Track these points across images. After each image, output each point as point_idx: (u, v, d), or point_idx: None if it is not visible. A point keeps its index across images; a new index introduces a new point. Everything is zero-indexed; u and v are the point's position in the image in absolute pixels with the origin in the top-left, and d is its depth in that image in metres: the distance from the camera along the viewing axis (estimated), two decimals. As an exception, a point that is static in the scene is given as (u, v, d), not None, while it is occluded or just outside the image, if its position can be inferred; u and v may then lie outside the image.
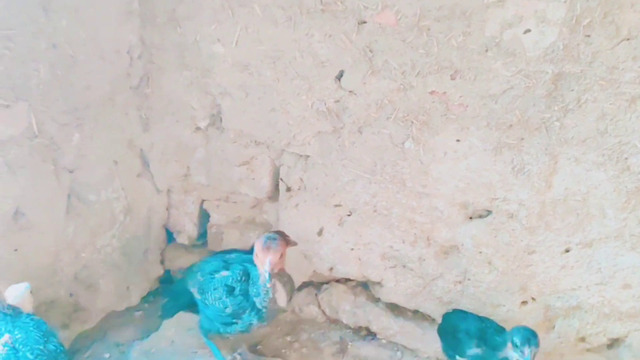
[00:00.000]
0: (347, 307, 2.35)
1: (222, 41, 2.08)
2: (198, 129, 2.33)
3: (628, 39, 1.60)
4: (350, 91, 1.98)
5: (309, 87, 2.02)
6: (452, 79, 1.82)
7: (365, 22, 1.85)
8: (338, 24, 1.88)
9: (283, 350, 2.16)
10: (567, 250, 1.91)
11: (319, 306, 2.42)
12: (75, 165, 2.10)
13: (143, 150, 2.40)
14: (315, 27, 1.92)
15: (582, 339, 2.02)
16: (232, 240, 2.46)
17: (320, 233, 2.27)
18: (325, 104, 2.03)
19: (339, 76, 1.97)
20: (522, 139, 1.82)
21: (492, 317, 2.08)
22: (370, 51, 1.88)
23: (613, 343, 2.01)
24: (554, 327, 2.04)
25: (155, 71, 2.25)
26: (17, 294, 1.73)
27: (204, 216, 2.55)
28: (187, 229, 2.55)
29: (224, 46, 2.09)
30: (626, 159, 1.71)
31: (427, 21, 1.77)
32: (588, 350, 2.04)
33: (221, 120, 2.26)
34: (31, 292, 1.77)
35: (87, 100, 2.08)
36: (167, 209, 2.55)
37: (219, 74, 2.15)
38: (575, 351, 2.04)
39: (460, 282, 2.12)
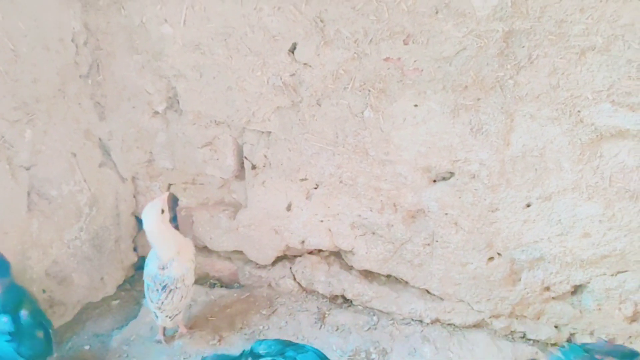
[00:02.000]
0: (321, 277, 2.39)
1: (170, 21, 2.02)
2: (156, 113, 2.29)
3: (574, -9, 1.60)
4: (304, 64, 1.95)
5: (263, 62, 1.98)
6: (405, 43, 1.81)
7: (314, -8, 1.81)
8: (286, -5, 1.84)
9: (261, 326, 2.19)
10: (528, 205, 1.96)
11: (294, 279, 2.45)
12: (32, 162, 2.04)
13: (102, 140, 2.34)
14: (263, 1, 1.87)
15: (547, 288, 2.09)
16: (202, 221, 2.45)
17: (289, 208, 2.28)
18: (281, 78, 2.00)
19: (292, 49, 1.94)
20: (479, 99, 1.83)
21: (461, 275, 2.15)
22: (321, 21, 1.85)
23: (576, 290, 2.09)
24: (520, 280, 2.11)
25: (104, 57, 2.18)
26: None
27: (173, 200, 2.53)
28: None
29: (172, 26, 2.02)
30: (579, 112, 1.74)
31: (376, -13, 1.74)
32: (553, 298, 2.11)
33: (178, 102, 2.22)
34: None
35: (36, 93, 2.01)
36: (134, 197, 2.52)
37: (171, 55, 2.09)
38: (541, 300, 2.12)
39: (428, 245, 2.16)
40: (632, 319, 2.05)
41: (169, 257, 1.98)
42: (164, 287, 1.97)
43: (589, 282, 2.04)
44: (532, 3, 1.63)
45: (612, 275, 1.99)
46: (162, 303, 1.98)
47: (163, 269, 1.98)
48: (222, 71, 2.06)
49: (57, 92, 2.10)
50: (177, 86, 2.16)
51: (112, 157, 2.39)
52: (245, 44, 1.97)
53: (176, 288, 1.98)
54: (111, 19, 2.09)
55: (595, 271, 2.00)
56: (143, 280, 2.33)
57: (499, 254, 2.09)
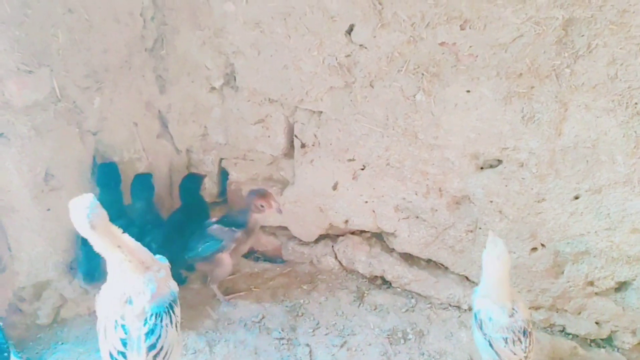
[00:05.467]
0: (362, 257, 2.45)
1: (233, -1, 2.11)
2: (213, 88, 2.39)
3: (640, -19, 1.58)
4: (360, 45, 2.00)
5: (320, 42, 2.04)
6: (462, 29, 1.83)
7: (373, -26, 1.86)
8: (347, -23, 1.89)
9: (302, 300, 2.27)
10: (577, 197, 1.95)
11: (336, 257, 2.52)
12: (98, 128, 2.19)
13: (161, 112, 2.47)
14: (323, -18, 1.93)
15: (591, 283, 2.07)
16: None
17: (335, 187, 2.34)
18: (336, 59, 2.05)
19: (350, 30, 1.99)
20: (532, 87, 1.83)
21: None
22: (380, 3, 1.89)
23: (621, 286, 2.06)
24: (563, 272, 2.10)
25: (169, 32, 2.30)
26: None
27: (223, 174, 2.64)
28: (208, 187, 2.64)
29: (234, 4, 2.11)
30: (636, 104, 1.72)
31: (436, -29, 1.77)
32: (596, 294, 2.09)
33: (235, 79, 2.31)
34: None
35: (105, 63, 2.15)
36: (187, 168, 2.64)
37: (231, 32, 2.18)
38: (584, 295, 2.10)
39: (471, 231, 2.18)
40: (678, 320, 2.01)
41: None
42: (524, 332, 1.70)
43: (634, 279, 2.01)
44: (596, -9, 1.62)
45: (659, 273, 1.96)
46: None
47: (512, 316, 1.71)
48: (279, 50, 2.13)
49: (124, 63, 2.23)
50: (235, 63, 2.26)
51: (170, 129, 2.51)
52: (304, 23, 2.03)
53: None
54: (178, -5, 2.20)
55: (642, 268, 1.97)
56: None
57: (542, 245, 2.09)
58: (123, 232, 1.43)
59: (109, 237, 1.35)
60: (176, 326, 1.49)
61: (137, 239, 1.51)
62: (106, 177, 2.13)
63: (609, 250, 1.98)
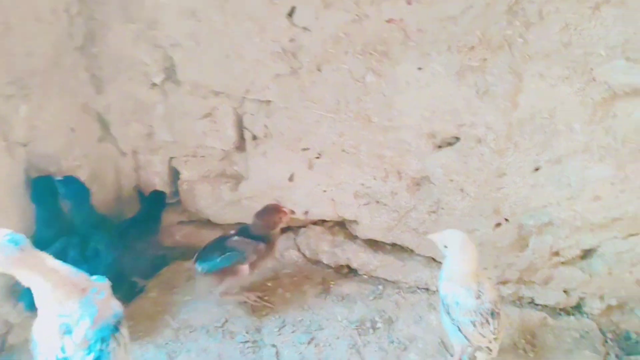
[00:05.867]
0: (326, 247, 2.37)
1: (164, -13, 1.95)
2: (154, 84, 2.23)
3: (587, -59, 1.51)
4: (304, 28, 1.88)
5: (261, 28, 1.91)
6: (408, 3, 1.73)
7: (309, -49, 1.73)
8: (282, -45, 1.76)
9: (266, 297, 2.18)
10: (537, 169, 1.91)
11: (299, 250, 2.43)
12: (29, 138, 2.00)
13: (100, 114, 2.30)
14: (259, -38, 1.79)
15: (556, 253, 2.05)
16: (205, 194, 2.42)
17: (291, 178, 2.24)
18: (279, 44, 1.93)
19: (291, 13, 1.87)
20: (485, 59, 1.76)
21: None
22: (320, -18, 1.77)
23: (586, 254, 2.05)
24: (528, 245, 2.07)
25: (98, 28, 2.12)
26: None
27: (175, 174, 2.50)
28: (159, 188, 2.50)
29: (165, -7, 1.95)
30: (591, 69, 1.67)
31: (375, -57, 1.65)
32: (562, 263, 2.08)
33: (176, 73, 2.16)
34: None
35: (30, 67, 1.95)
36: (135, 171, 2.49)
37: (166, 24, 2.02)
38: (550, 265, 2.08)
39: (434, 212, 2.12)
40: (643, 283, 2.02)
41: None
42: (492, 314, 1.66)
43: (599, 246, 2.00)
44: (542, -46, 1.54)
45: (623, 238, 1.95)
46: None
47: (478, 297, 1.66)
48: (219, 39, 1.99)
49: (52, 65, 2.04)
50: (174, 56, 2.10)
51: (112, 131, 2.34)
52: (243, 9, 1.90)
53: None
54: (103, -14, 2.02)
55: (605, 235, 1.96)
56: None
57: (506, 219, 2.05)
58: (54, 257, 1.30)
59: (29, 270, 1.22)
60: (125, 347, 1.38)
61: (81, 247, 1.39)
62: (40, 192, 1.97)
63: (572, 220, 1.96)
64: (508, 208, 2.01)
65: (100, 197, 2.36)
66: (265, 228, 2.07)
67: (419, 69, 1.83)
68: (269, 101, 2.11)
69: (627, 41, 1.58)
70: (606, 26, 1.58)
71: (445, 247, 1.74)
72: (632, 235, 1.93)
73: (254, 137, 2.22)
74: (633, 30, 1.56)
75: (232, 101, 2.19)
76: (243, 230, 2.12)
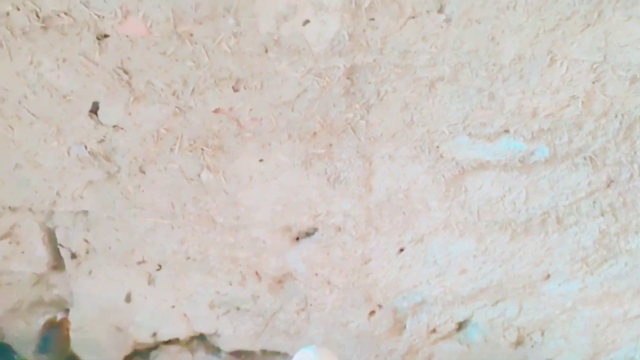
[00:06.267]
0: (186, 369, 1.99)
1: None
2: None
3: (413, 17, 1.41)
4: (114, 126, 1.53)
5: (57, 129, 1.52)
6: (236, 90, 1.49)
7: (107, 36, 1.41)
8: (71, 43, 1.40)
9: None
10: (402, 250, 1.77)
11: (154, 379, 2.01)
12: None
13: None
14: (40, 52, 1.41)
15: (434, 331, 1.94)
16: (17, 333, 1.89)
17: (128, 299, 1.83)
18: (86, 147, 1.56)
19: (94, 110, 1.51)
20: (331, 145, 1.58)
21: (343, 336, 1.92)
22: (125, 72, 1.45)
23: (461, 326, 1.97)
24: (405, 327, 1.92)
25: None
26: None
27: (-31, 313, 1.92)
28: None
29: None
30: (437, 147, 1.58)
31: (186, 25, 1.39)
32: (441, 339, 1.97)
33: (-51, 190, 1.65)
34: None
35: None
36: None
37: None
38: (429, 343, 1.96)
39: (303, 310, 1.88)
40: (517, 343, 1.98)
41: None
42: None
43: (472, 316, 1.92)
44: (372, 33, 1.42)
45: (492, 305, 1.89)
46: None
47: None
48: (2, 145, 1.55)
49: None
50: (-59, 170, 1.60)
51: None
52: (27, 108, 1.49)
53: None
54: None
55: (475, 304, 1.89)
56: None
57: (379, 305, 1.88)
58: None
59: None
60: None
61: None
62: None
63: (444, 295, 1.85)
64: (379, 293, 1.85)
65: None
66: None
67: (261, 160, 1.60)
68: (86, 212, 1.70)
69: (466, 117, 1.51)
70: (444, 104, 1.50)
71: None
72: (499, 301, 1.88)
73: (74, 255, 1.78)
74: (470, 107, 1.50)
75: (37, 215, 1.73)
76: None
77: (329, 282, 1.81)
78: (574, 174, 1.59)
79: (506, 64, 1.44)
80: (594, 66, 1.43)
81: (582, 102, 1.47)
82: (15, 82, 1.45)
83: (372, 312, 1.89)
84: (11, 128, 1.52)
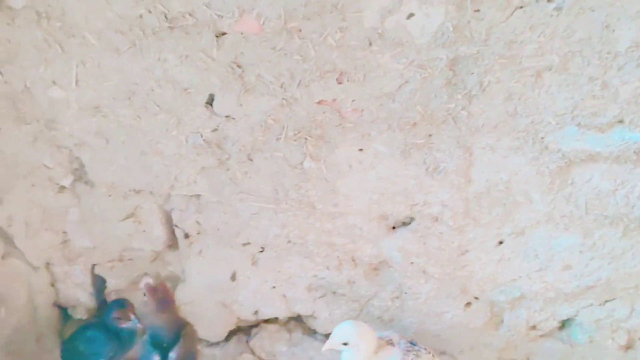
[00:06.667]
0: (283, 347, 2.10)
1: (59, 83, 1.68)
2: (63, 188, 1.93)
3: (521, 7, 1.39)
4: (226, 116, 1.66)
5: (178, 120, 1.68)
6: (339, 82, 1.55)
7: (224, 34, 1.53)
8: (193, 41, 1.54)
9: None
10: (501, 243, 1.75)
11: (253, 353, 2.14)
12: None
13: (1, 227, 1.97)
14: (166, 50, 1.57)
15: (533, 327, 1.89)
16: (137, 303, 2.10)
17: (233, 277, 1.98)
18: (201, 135, 1.70)
19: (210, 101, 1.65)
20: (430, 135, 1.60)
21: (437, 326, 1.93)
22: (239, 66, 1.57)
23: (564, 324, 1.90)
24: (502, 322, 1.90)
25: (-13, 132, 1.82)
26: None
27: (100, 283, 2.18)
28: (83, 301, 2.17)
29: (62, 88, 1.69)
30: (542, 138, 1.54)
31: (296, 22, 1.47)
32: (541, 336, 1.92)
33: (87, 173, 1.88)
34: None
35: None
36: (52, 285, 2.15)
37: (67, 122, 1.75)
38: (528, 339, 1.92)
39: (397, 297, 1.91)
40: (627, 347, 1.88)
41: None
42: None
43: (576, 315, 1.86)
44: (476, 25, 1.41)
45: (600, 305, 1.81)
46: None
47: None
48: (131, 134, 1.74)
49: None
50: (81, 156, 1.83)
51: (17, 244, 2.01)
52: (153, 100, 1.66)
53: None
54: (-12, 87, 1.73)
55: (581, 303, 1.82)
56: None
57: (476, 298, 1.87)
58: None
59: None
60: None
61: None
62: None
63: (545, 291, 1.80)
64: (476, 286, 1.83)
65: (12, 322, 2.01)
66: None
67: (360, 150, 1.65)
68: (199, 195, 1.86)
69: (575, 107, 1.46)
70: (551, 94, 1.46)
71: (345, 344, 1.53)
72: (608, 301, 1.80)
73: (186, 235, 1.96)
74: (580, 96, 1.44)
75: (157, 198, 1.92)
76: None
77: (424, 272, 1.83)
78: (698, 167, 1.48)
79: (622, 51, 1.37)
80: None
81: None
82: (143, 77, 1.62)
83: (468, 304, 1.88)
84: (139, 118, 1.70)
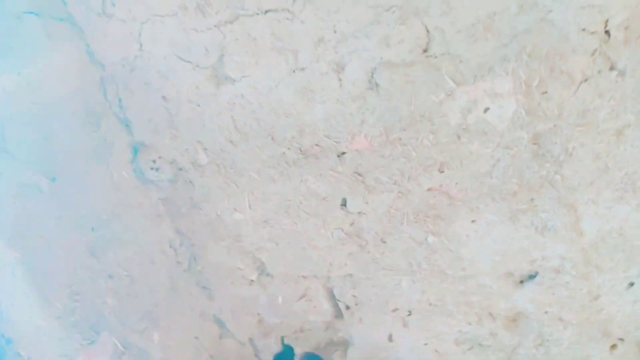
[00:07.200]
0: (446, 397, 2.36)
1: (238, 209, 2.32)
2: (252, 281, 2.55)
3: (586, 80, 1.59)
4: (358, 213, 2.10)
5: (323, 221, 2.17)
6: (441, 172, 1.89)
7: (344, 153, 2.00)
8: (322, 163, 2.04)
9: None
10: (632, 284, 1.82)
11: (421, 404, 2.44)
12: (164, 357, 2.38)
13: (216, 315, 2.65)
14: (305, 172, 2.09)
15: (694, 364, 1.86)
16: (320, 366, 2.59)
17: (390, 339, 2.34)
18: (342, 230, 2.16)
19: (344, 204, 2.11)
20: (532, 199, 1.81)
21: (589, 369, 2.00)
22: (359, 175, 2.01)
23: None
24: (658, 361, 1.90)
25: (198, 250, 2.53)
26: None
27: (289, 350, 2.72)
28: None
29: (241, 212, 2.32)
30: (641, 186, 1.65)
31: (395, 134, 1.87)
32: None
33: (267, 268, 2.47)
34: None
35: (154, 300, 2.39)
36: (255, 355, 2.75)
37: (248, 235, 2.37)
38: (695, 377, 1.88)
39: (540, 345, 2.06)
40: None
41: None
42: None
43: None
44: (547, 104, 1.64)
45: None
46: None
47: None
48: (292, 236, 2.28)
49: (170, 292, 2.47)
50: (261, 257, 2.42)
51: (228, 327, 2.67)
52: (304, 210, 2.18)
53: None
54: (194, 219, 2.45)
55: None
56: None
57: (621, 339, 1.92)
58: None
59: None
60: None
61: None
62: None
63: (695, 327, 1.79)
64: (618, 328, 1.90)
65: (233, 387, 2.65)
66: None
67: (473, 221, 1.93)
68: (351, 274, 2.30)
69: (666, 156, 1.56)
70: (637, 146, 1.58)
71: None
72: None
73: (347, 307, 2.40)
74: (667, 145, 1.54)
75: (320, 280, 2.42)
76: None
77: (560, 319, 1.97)
78: None
79: (696, 99, 1.47)
80: None
81: None
82: (294, 195, 2.16)
83: (614, 346, 1.94)
84: (295, 224, 2.23)
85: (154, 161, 2.39)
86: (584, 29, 1.52)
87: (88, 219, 2.12)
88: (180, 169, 2.38)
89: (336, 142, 1.97)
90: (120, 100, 2.38)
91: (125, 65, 2.31)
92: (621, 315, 1.87)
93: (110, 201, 2.23)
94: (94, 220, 2.15)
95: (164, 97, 2.29)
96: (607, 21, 1.49)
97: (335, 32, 1.85)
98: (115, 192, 2.29)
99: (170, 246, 2.48)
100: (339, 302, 2.43)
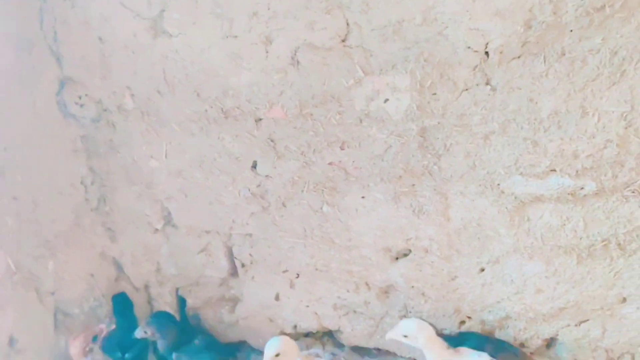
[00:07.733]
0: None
1: (155, 157, 2.44)
2: (156, 230, 2.67)
3: (466, 89, 1.89)
4: (266, 176, 2.30)
5: (233, 179, 2.35)
6: (342, 149, 2.13)
7: (261, 119, 2.19)
8: (240, 125, 2.23)
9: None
10: (482, 270, 2.15)
11: (295, 362, 2.66)
12: (56, 288, 2.44)
13: (115, 258, 2.74)
14: (224, 131, 2.27)
15: (522, 345, 2.22)
16: (208, 318, 2.75)
17: (277, 298, 2.55)
18: (249, 190, 2.35)
19: (254, 166, 2.30)
20: (413, 185, 2.10)
21: (439, 341, 2.32)
22: (272, 141, 2.21)
23: (549, 343, 2.20)
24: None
25: (109, 192, 2.62)
26: None
27: (182, 302, 2.85)
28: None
29: (157, 160, 2.45)
30: (498, 184, 1.97)
31: (308, 109, 2.10)
32: (531, 353, 2.23)
33: (173, 219, 2.60)
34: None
35: (55, 231, 2.45)
36: (149, 303, 2.86)
37: (160, 183, 2.50)
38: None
39: (404, 316, 2.35)
40: (609, 365, 2.14)
41: None
42: None
43: (557, 335, 2.16)
44: (434, 104, 1.93)
45: (576, 325, 2.11)
46: None
47: None
48: (202, 190, 2.44)
49: (73, 226, 2.54)
50: (169, 207, 2.56)
51: (125, 271, 2.76)
52: (216, 166, 2.35)
53: None
54: (110, 161, 2.54)
55: (559, 323, 2.13)
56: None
57: (469, 317, 2.26)
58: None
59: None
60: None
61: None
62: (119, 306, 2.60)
63: (525, 312, 2.15)
64: (467, 306, 2.23)
65: (121, 330, 2.74)
66: None
67: (363, 197, 2.19)
68: (250, 234, 2.49)
69: (517, 161, 1.89)
70: (498, 151, 1.91)
71: (405, 336, 1.97)
72: (582, 322, 2.09)
73: (243, 265, 2.58)
74: (519, 152, 1.88)
75: (221, 237, 2.58)
76: None
77: (423, 294, 2.27)
78: (626, 205, 1.82)
79: (545, 117, 1.81)
80: (624, 114, 1.71)
81: (617, 144, 1.74)
82: (209, 151, 2.33)
83: (463, 322, 2.27)
84: (207, 179, 2.39)
85: (80, 97, 2.46)
86: (469, 47, 1.82)
87: (2, 138, 2.16)
88: (105, 110, 2.47)
89: (255, 108, 2.16)
90: (55, 33, 2.43)
91: (67, 1, 2.37)
92: (471, 296, 2.20)
93: (29, 126, 2.28)
94: (7, 140, 2.19)
95: (100, 38, 2.38)
96: (487, 44, 1.80)
97: (269, 9, 2.04)
98: (35, 118, 2.33)
99: (82, 183, 2.55)
100: (236, 260, 2.61)
